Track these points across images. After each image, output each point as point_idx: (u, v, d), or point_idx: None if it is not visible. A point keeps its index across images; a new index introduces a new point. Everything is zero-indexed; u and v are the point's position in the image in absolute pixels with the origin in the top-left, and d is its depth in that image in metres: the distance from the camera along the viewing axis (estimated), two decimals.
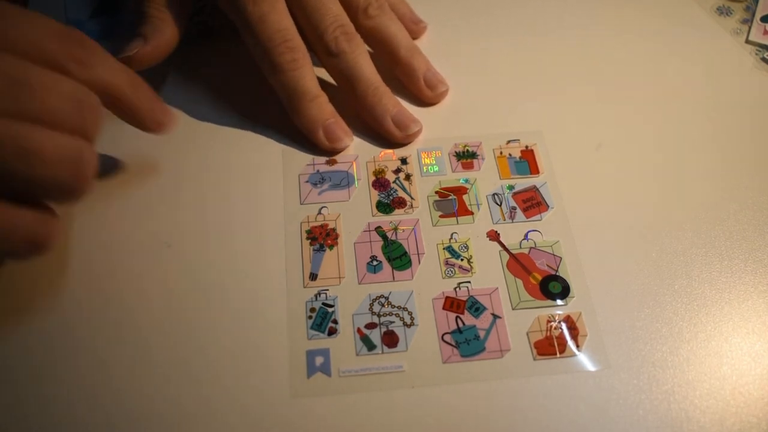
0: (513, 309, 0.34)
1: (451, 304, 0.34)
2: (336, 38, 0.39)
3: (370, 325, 0.34)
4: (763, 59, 0.44)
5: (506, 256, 0.36)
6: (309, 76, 0.38)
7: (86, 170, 0.30)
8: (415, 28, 0.45)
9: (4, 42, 0.29)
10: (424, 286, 0.35)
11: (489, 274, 0.35)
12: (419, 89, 0.41)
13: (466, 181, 0.39)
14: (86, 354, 0.32)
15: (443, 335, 0.33)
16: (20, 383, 0.32)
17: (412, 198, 0.38)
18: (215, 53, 0.44)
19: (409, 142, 0.40)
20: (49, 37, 0.30)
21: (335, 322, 0.34)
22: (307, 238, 0.36)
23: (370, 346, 0.33)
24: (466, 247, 0.36)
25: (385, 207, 0.38)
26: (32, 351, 0.32)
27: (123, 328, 0.33)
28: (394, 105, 0.40)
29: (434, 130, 0.41)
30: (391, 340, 0.33)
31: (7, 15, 0.30)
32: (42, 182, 0.28)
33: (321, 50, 0.40)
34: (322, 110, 0.39)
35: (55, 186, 0.29)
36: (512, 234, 0.37)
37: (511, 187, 0.38)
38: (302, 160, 0.39)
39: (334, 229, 0.37)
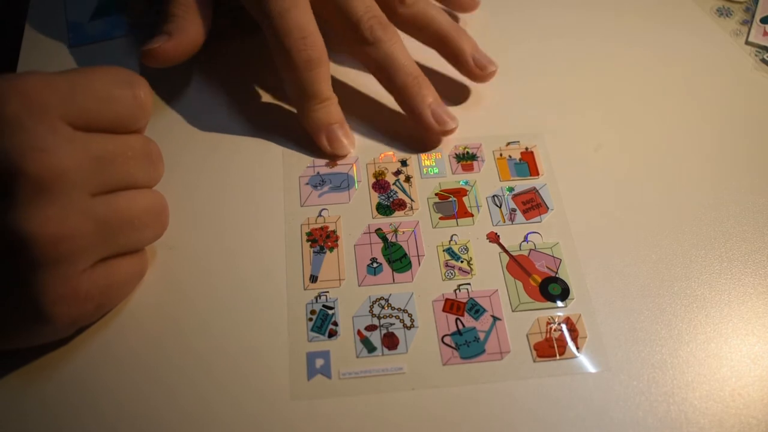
0: (513, 311, 0.34)
1: (451, 306, 0.34)
2: (371, 27, 0.38)
3: (370, 327, 0.34)
4: (763, 60, 0.44)
5: (506, 258, 0.36)
6: (323, 77, 0.38)
7: (165, 218, 0.34)
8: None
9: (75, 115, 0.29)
10: (424, 288, 0.35)
11: (489, 276, 0.35)
12: (469, 69, 0.41)
13: (466, 183, 0.39)
14: (84, 354, 0.32)
15: (443, 337, 0.33)
16: (20, 385, 0.32)
17: (412, 200, 0.38)
18: (215, 53, 0.44)
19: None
20: None
21: (335, 324, 0.34)
22: (308, 240, 0.36)
23: (371, 348, 0.33)
24: (466, 249, 0.36)
25: (385, 209, 0.38)
26: (29, 351, 0.33)
27: (122, 329, 0.33)
28: (434, 96, 0.39)
29: None
30: (391, 342, 0.33)
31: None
32: (140, 240, 0.33)
33: (355, 40, 0.39)
34: (330, 114, 0.39)
35: (148, 239, 0.33)
36: (512, 236, 0.37)
37: (511, 189, 0.38)
38: (303, 162, 0.39)
39: (334, 231, 0.37)
